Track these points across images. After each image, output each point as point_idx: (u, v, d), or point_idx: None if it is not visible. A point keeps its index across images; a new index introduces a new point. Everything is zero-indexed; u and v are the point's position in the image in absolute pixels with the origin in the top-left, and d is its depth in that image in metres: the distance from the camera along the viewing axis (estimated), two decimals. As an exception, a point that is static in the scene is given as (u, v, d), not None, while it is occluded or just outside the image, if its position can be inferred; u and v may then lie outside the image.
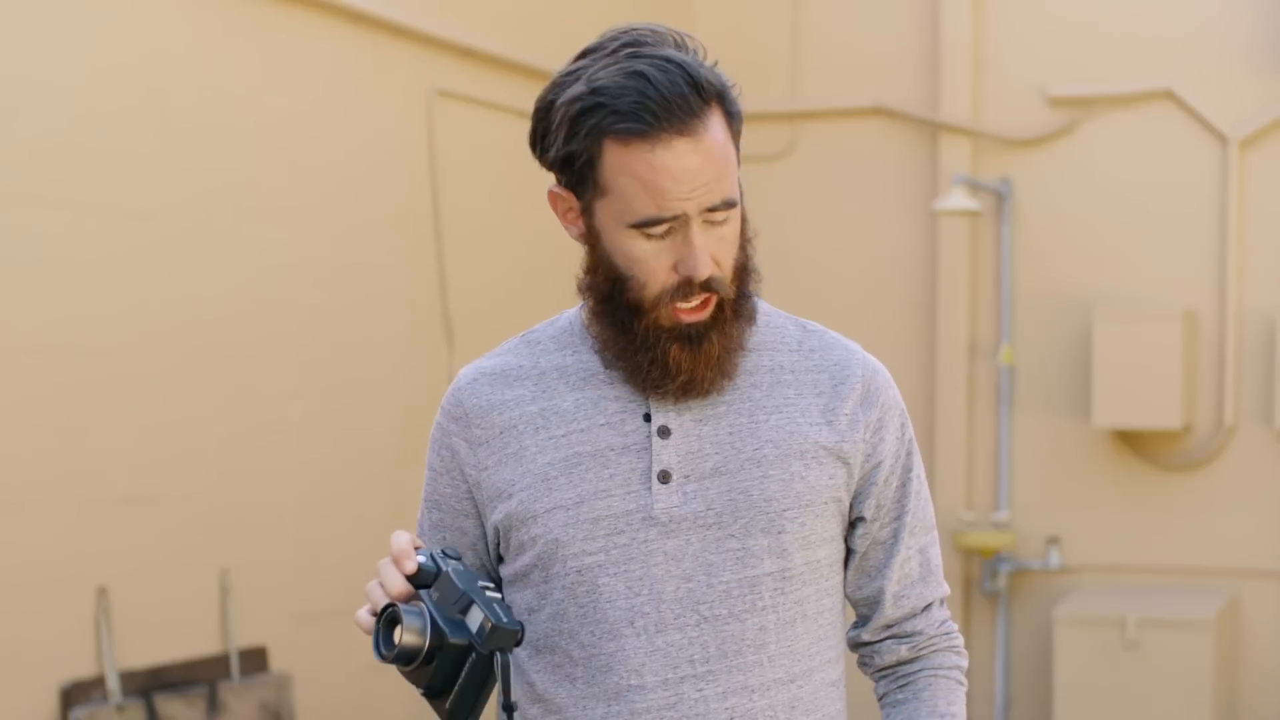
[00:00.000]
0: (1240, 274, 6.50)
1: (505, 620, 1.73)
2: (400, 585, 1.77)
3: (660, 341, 1.85)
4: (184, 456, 4.69)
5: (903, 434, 1.99)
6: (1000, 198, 6.78)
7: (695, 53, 1.86)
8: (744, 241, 1.90)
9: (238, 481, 4.88)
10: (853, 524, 1.98)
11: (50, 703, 4.32)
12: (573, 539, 1.89)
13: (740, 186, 1.88)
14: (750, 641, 1.88)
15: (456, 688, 1.75)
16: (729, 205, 1.84)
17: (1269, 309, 6.45)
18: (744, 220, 1.90)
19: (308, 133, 5.14)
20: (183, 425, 4.69)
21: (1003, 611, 6.74)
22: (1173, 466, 6.56)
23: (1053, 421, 6.71)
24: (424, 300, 5.64)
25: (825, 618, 1.94)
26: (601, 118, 1.80)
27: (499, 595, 1.77)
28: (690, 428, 1.90)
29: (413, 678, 1.77)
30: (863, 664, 2.06)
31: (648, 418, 1.91)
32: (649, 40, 1.84)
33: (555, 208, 1.91)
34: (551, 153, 1.85)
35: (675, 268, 1.83)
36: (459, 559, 1.80)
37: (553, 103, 1.84)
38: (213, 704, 4.72)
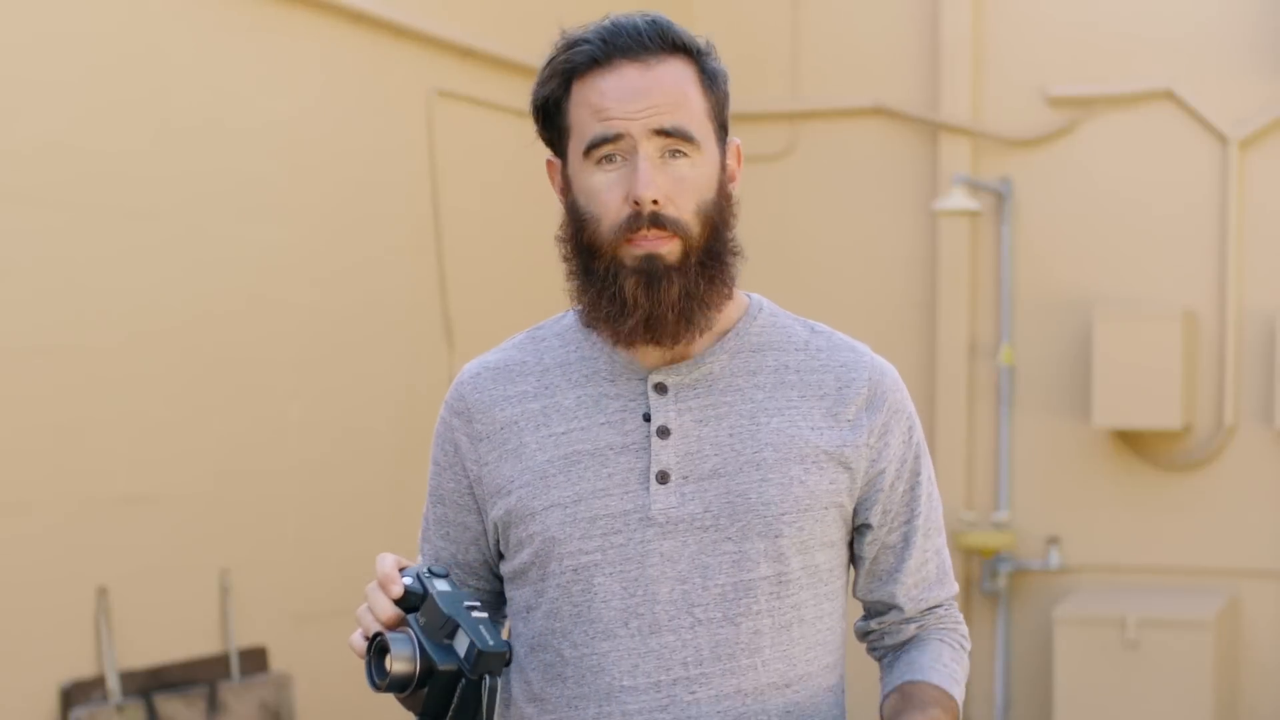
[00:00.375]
0: (1240, 274, 6.50)
1: (491, 643, 1.72)
2: (388, 611, 1.77)
3: (618, 276, 1.86)
4: (184, 456, 4.69)
5: (910, 437, 1.97)
6: (1000, 198, 6.78)
7: (705, 43, 1.92)
8: (720, 198, 1.90)
9: (238, 481, 4.88)
10: (859, 529, 1.96)
11: (50, 703, 4.31)
12: (569, 537, 1.89)
13: (732, 155, 1.94)
14: (744, 645, 1.87)
15: (450, 713, 1.74)
16: (683, 136, 1.85)
17: (1269, 309, 6.45)
18: (724, 183, 1.91)
19: (307, 133, 5.14)
20: (182, 425, 4.69)
21: (1003, 611, 6.74)
22: (1173, 466, 6.56)
23: (1053, 421, 6.71)
24: (424, 300, 5.63)
25: (824, 623, 1.93)
26: (567, 56, 1.88)
27: (485, 615, 1.76)
28: (690, 428, 1.89)
29: (408, 704, 1.76)
30: (871, 649, 2.05)
31: (647, 417, 1.90)
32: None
33: (550, 178, 1.96)
34: (534, 106, 1.93)
35: (626, 198, 1.84)
36: (446, 576, 1.79)
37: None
38: (213, 704, 4.72)
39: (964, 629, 2.04)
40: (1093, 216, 6.68)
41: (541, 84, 1.91)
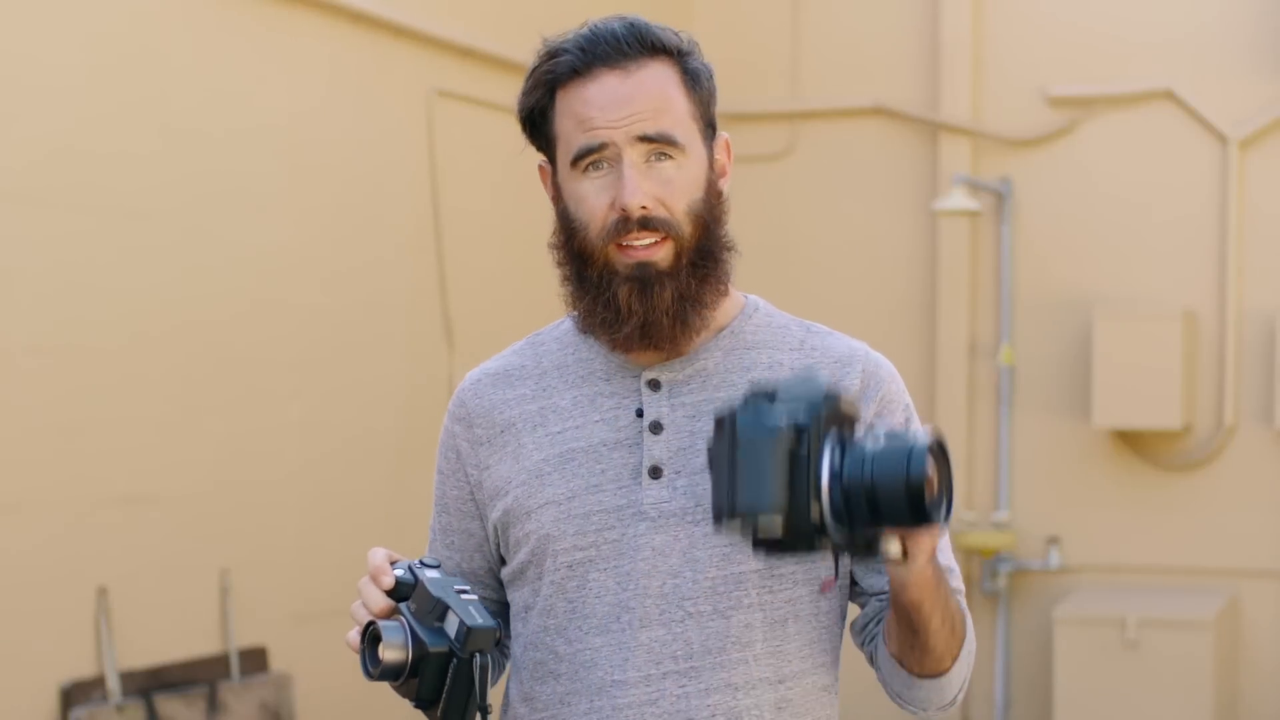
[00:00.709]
0: (1240, 274, 6.50)
1: (480, 620, 1.73)
2: (380, 602, 1.78)
3: (611, 284, 1.87)
4: (184, 457, 4.69)
5: (906, 428, 1.96)
6: (1000, 198, 6.78)
7: (686, 40, 1.91)
8: (709, 196, 1.90)
9: (238, 481, 4.88)
10: None
11: (50, 703, 4.32)
12: (564, 534, 1.89)
13: (721, 151, 1.93)
14: (735, 638, 1.87)
15: (444, 695, 1.75)
16: (667, 140, 1.86)
17: (1269, 309, 6.45)
18: (713, 181, 1.91)
19: (308, 133, 5.14)
20: (183, 425, 4.69)
21: (1003, 611, 6.74)
22: (1173, 466, 6.56)
23: (1053, 421, 6.71)
24: (424, 300, 5.64)
25: (821, 620, 1.92)
26: (549, 67, 1.89)
27: (474, 597, 1.77)
28: (683, 423, 1.90)
29: (403, 691, 1.78)
30: (868, 640, 1.98)
31: (640, 413, 1.91)
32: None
33: (543, 183, 1.97)
34: (520, 116, 1.94)
35: (613, 205, 1.85)
36: (437, 567, 1.80)
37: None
38: (213, 704, 4.72)
39: (969, 620, 2.01)
40: (1092, 216, 6.68)
41: (526, 94, 1.93)
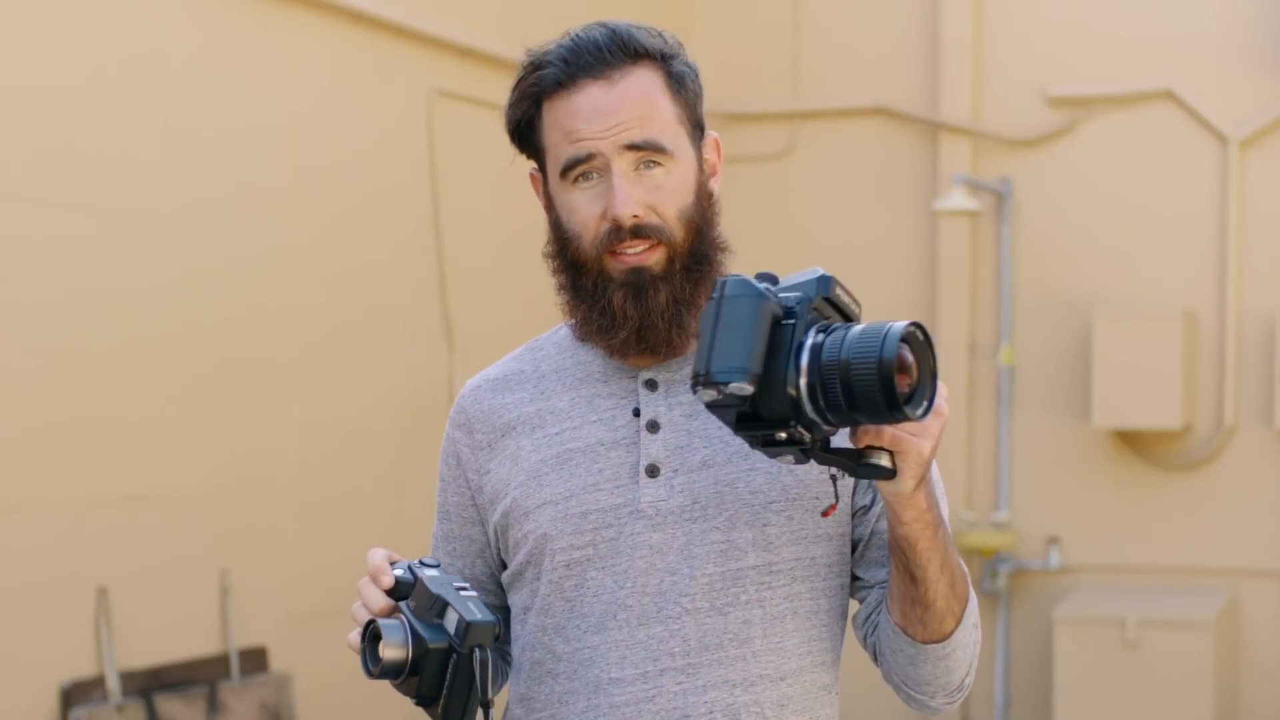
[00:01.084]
0: (1240, 274, 6.50)
1: (479, 615, 1.74)
2: (380, 601, 1.78)
3: (606, 290, 1.88)
4: (184, 457, 4.69)
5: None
6: (1000, 198, 6.78)
7: (670, 42, 1.91)
8: (700, 199, 1.90)
9: (238, 481, 4.88)
10: (856, 513, 1.93)
11: (50, 703, 4.32)
12: (561, 533, 1.89)
13: (711, 150, 1.93)
14: (733, 635, 1.86)
15: (445, 691, 1.75)
16: (654, 148, 1.86)
17: (1269, 309, 6.45)
18: (703, 183, 1.91)
19: (308, 133, 5.14)
20: (183, 425, 4.69)
21: (1003, 611, 6.74)
22: (1173, 466, 6.56)
23: (1053, 421, 6.71)
24: (424, 300, 5.64)
25: (821, 618, 1.92)
26: (534, 79, 1.90)
27: (474, 593, 1.78)
28: (680, 422, 1.90)
29: (404, 689, 1.78)
30: (873, 626, 1.95)
31: (637, 412, 1.91)
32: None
33: (535, 190, 1.97)
34: (508, 128, 1.95)
35: (604, 215, 1.86)
36: (436, 566, 1.81)
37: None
38: (213, 704, 4.72)
39: (970, 587, 1.93)
40: (1092, 216, 6.68)
41: (512, 106, 1.93)
